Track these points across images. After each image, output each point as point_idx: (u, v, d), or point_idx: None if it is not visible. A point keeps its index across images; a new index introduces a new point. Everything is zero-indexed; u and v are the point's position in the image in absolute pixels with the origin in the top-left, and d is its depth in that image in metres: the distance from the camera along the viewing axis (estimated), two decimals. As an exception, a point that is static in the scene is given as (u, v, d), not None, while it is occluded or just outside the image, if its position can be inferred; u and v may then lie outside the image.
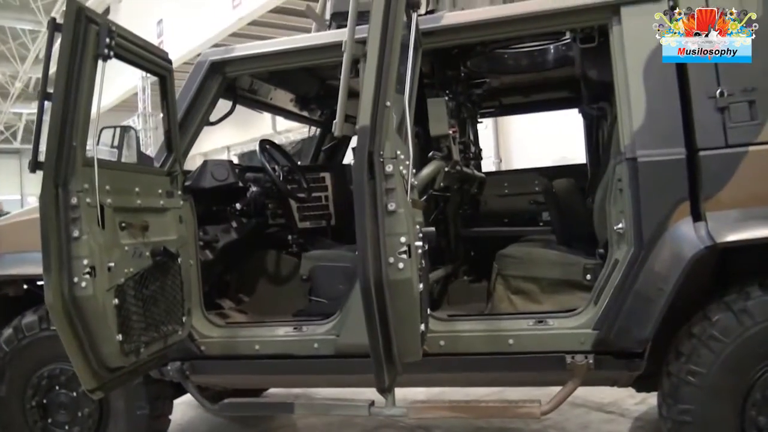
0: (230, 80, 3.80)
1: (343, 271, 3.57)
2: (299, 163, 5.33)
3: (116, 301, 2.83)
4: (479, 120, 5.21)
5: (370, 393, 2.87)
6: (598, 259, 3.34)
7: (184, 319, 3.32)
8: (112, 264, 2.83)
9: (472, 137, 4.99)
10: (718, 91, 2.83)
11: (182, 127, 3.57)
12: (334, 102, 3.14)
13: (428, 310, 3.00)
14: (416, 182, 2.93)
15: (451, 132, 3.80)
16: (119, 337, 2.83)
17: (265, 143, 4.42)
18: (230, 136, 19.70)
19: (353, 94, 2.84)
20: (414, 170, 2.83)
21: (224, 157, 20.20)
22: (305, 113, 5.22)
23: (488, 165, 12.36)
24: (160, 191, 3.33)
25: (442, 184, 3.82)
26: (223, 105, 4.01)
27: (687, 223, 2.82)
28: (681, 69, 2.90)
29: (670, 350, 2.95)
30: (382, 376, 2.63)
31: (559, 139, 8.66)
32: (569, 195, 4.09)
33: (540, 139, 10.98)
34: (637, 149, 2.90)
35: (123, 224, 2.96)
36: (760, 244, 2.78)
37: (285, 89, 4.74)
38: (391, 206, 2.60)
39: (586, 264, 3.38)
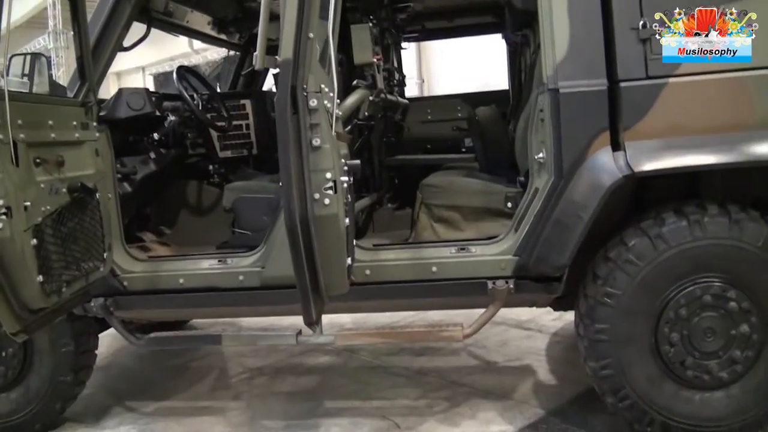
0: (144, 2, 3.64)
1: (266, 202, 3.54)
2: (218, 89, 5.20)
3: (35, 241, 2.73)
4: (403, 46, 5.16)
5: (298, 320, 2.88)
6: (519, 187, 3.40)
7: (105, 255, 3.25)
8: (28, 203, 2.70)
9: (396, 64, 4.95)
10: (641, 23, 2.85)
11: (95, 54, 3.40)
12: (254, 24, 3.06)
13: (354, 242, 3.03)
14: (340, 113, 2.90)
15: (375, 60, 3.76)
16: (40, 278, 2.74)
17: (182, 70, 4.26)
18: (145, 56, 18.87)
19: (274, 17, 2.75)
20: (338, 101, 2.80)
21: (139, 77, 19.52)
22: (223, 36, 5.05)
23: (411, 86, 12.32)
24: (74, 123, 3.18)
25: (366, 113, 3.79)
26: (136, 29, 3.84)
27: (606, 153, 2.89)
28: (605, 0, 2.90)
29: (588, 273, 3.06)
30: (309, 310, 2.66)
31: (484, 59, 8.66)
32: (492, 123, 4.12)
33: (464, 60, 10.96)
34: (559, 80, 2.93)
35: (38, 160, 2.82)
36: (676, 173, 2.89)
37: (202, 11, 4.56)
38: (316, 142, 2.58)
39: (507, 192, 3.44)
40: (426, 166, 4.33)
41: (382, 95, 3.96)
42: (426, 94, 12.89)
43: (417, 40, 5.75)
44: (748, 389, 2.96)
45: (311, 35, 2.59)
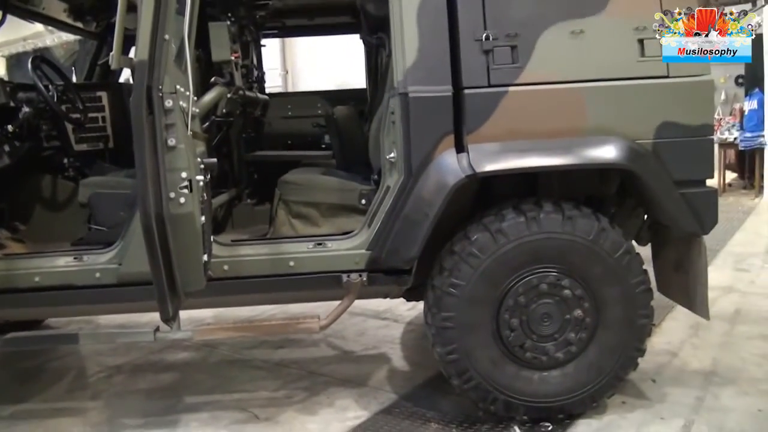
0: None
1: (123, 198, 3.47)
2: (74, 78, 5.07)
3: None
4: (262, 44, 5.20)
5: (156, 316, 2.92)
6: (372, 185, 3.56)
7: None
8: None
9: (255, 60, 4.98)
10: (484, 35, 3.07)
11: None
12: (110, 14, 3.03)
13: (212, 238, 3.08)
14: (197, 110, 2.95)
15: (233, 57, 3.79)
16: None
17: (37, 60, 4.13)
18: (-4, 35, 17.87)
19: (132, 7, 2.75)
20: (195, 98, 2.85)
21: (-10, 59, 18.37)
22: (79, 24, 4.93)
23: (274, 77, 12.31)
24: None
25: (224, 110, 3.82)
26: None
27: (451, 155, 3.11)
28: (452, 12, 3.10)
29: (435, 266, 3.27)
30: (165, 307, 2.71)
31: (346, 54, 8.78)
32: (348, 122, 4.25)
33: (328, 53, 11.06)
34: (408, 85, 3.10)
35: None
36: (516, 173, 3.14)
37: None
38: (171, 142, 2.63)
39: (361, 190, 3.58)
40: (285, 162, 4.40)
41: (241, 92, 4.00)
42: (290, 85, 12.93)
43: (276, 36, 5.78)
44: (582, 367, 3.26)
45: (167, 37, 2.62)
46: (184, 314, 3.17)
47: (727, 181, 11.44)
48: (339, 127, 4.19)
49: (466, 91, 3.09)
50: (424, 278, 3.35)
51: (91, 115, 4.50)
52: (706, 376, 3.82)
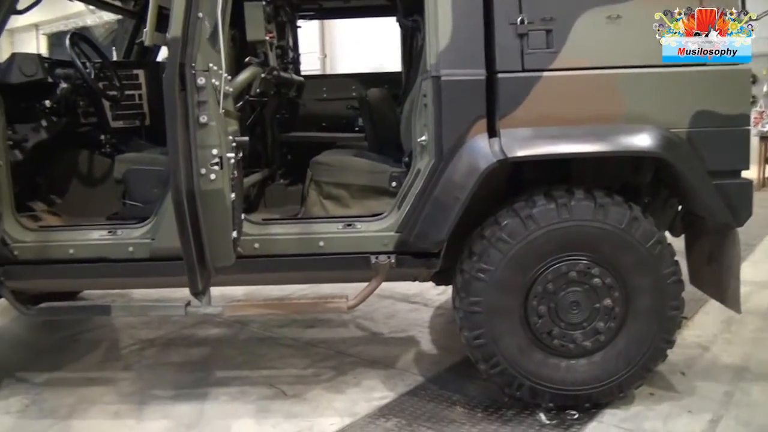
0: None
1: (157, 174, 3.54)
2: (114, 56, 5.13)
3: None
4: (298, 25, 5.21)
5: (188, 293, 2.96)
6: (403, 167, 3.56)
7: None
8: None
9: (290, 41, 4.99)
10: (519, 19, 3.04)
11: None
12: None
13: (242, 216, 3.12)
14: (231, 89, 2.97)
15: (268, 38, 3.81)
16: None
17: (75, 36, 4.20)
18: (39, 13, 18.10)
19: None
20: (229, 77, 2.88)
21: (32, 36, 18.71)
22: (118, 3, 4.99)
23: (313, 60, 12.35)
24: None
25: (258, 90, 3.84)
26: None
27: (483, 139, 3.09)
28: None
29: (464, 250, 3.26)
30: (195, 281, 2.75)
31: (385, 36, 8.75)
32: (382, 105, 4.24)
33: (367, 37, 11.03)
34: (441, 68, 3.09)
35: None
36: (548, 159, 3.12)
37: None
38: (203, 119, 2.66)
39: (392, 172, 3.58)
40: (318, 143, 4.42)
41: (275, 72, 4.01)
42: (328, 69, 12.95)
43: (313, 18, 5.77)
44: (610, 357, 3.23)
45: (201, 14, 2.65)
46: (215, 291, 3.21)
47: (767, 175, 11.22)
48: (371, 109, 4.19)
49: (500, 75, 3.07)
50: (453, 262, 3.34)
51: (128, 92, 4.56)
52: (737, 371, 3.77)
